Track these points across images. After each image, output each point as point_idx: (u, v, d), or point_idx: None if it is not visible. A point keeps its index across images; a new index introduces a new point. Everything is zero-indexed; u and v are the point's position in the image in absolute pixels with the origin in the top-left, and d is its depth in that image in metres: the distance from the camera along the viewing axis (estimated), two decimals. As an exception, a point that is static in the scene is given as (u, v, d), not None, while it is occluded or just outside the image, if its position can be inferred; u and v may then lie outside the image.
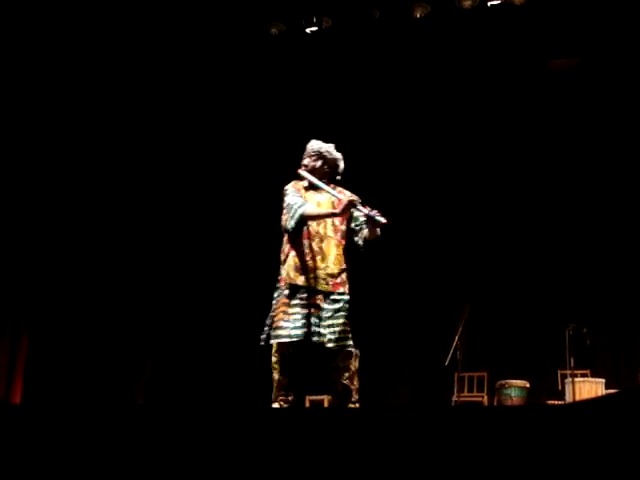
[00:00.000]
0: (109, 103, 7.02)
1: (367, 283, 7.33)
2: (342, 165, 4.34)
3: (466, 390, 6.90)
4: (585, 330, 6.15)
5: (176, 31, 6.87)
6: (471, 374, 6.97)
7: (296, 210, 4.11)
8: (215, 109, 7.60)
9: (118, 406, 5.07)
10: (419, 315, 7.49)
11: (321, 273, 4.09)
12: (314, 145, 4.32)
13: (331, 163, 4.30)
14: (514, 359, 7.20)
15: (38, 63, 6.51)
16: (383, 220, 4.04)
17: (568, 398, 6.12)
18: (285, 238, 4.22)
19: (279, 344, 4.04)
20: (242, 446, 2.51)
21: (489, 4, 6.49)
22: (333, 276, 4.12)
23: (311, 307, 4.04)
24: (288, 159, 7.76)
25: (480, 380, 7.01)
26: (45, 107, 6.61)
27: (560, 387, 6.61)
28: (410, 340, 7.47)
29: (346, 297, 4.14)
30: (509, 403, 6.37)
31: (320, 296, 4.07)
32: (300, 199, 4.19)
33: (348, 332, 4.09)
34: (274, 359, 4.08)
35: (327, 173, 4.29)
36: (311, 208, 4.16)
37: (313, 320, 4.02)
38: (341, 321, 4.07)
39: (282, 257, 4.20)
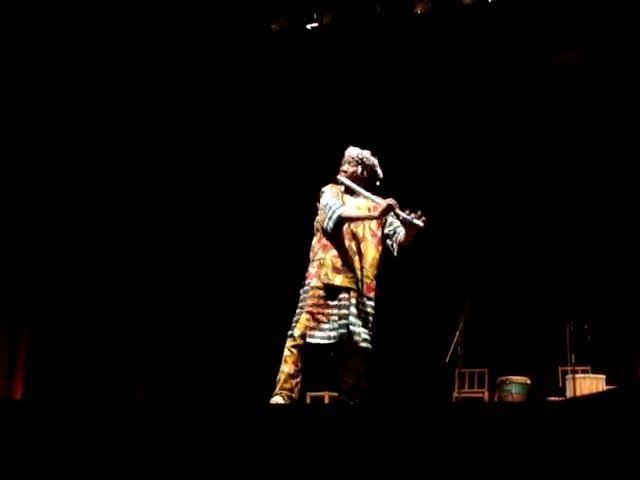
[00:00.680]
0: (109, 101, 7.01)
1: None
2: (380, 171, 4.43)
3: (467, 386, 6.91)
4: (586, 326, 6.15)
5: (177, 28, 6.86)
6: (472, 370, 6.97)
7: (334, 211, 4.17)
8: (217, 106, 7.59)
9: (118, 402, 5.08)
10: (420, 311, 7.49)
11: (359, 274, 4.18)
12: (352, 152, 4.41)
13: (369, 169, 4.39)
14: (515, 355, 7.20)
15: (36, 62, 6.50)
16: (421, 224, 4.09)
17: (569, 394, 6.12)
18: (318, 237, 4.28)
19: (305, 342, 4.06)
20: (243, 442, 2.51)
21: (490, 0, 6.48)
22: (369, 279, 4.22)
23: (349, 307, 4.09)
24: (290, 155, 7.80)
25: (481, 376, 7.01)
26: (44, 107, 6.60)
27: (561, 383, 6.61)
28: (411, 336, 7.46)
29: (373, 303, 4.26)
30: (510, 399, 6.37)
31: (356, 296, 4.14)
32: (338, 201, 4.27)
33: (371, 336, 4.22)
34: (288, 353, 4.09)
35: (365, 179, 4.37)
36: (349, 210, 4.25)
37: (346, 321, 4.08)
38: (369, 325, 4.20)
39: (313, 256, 4.26)
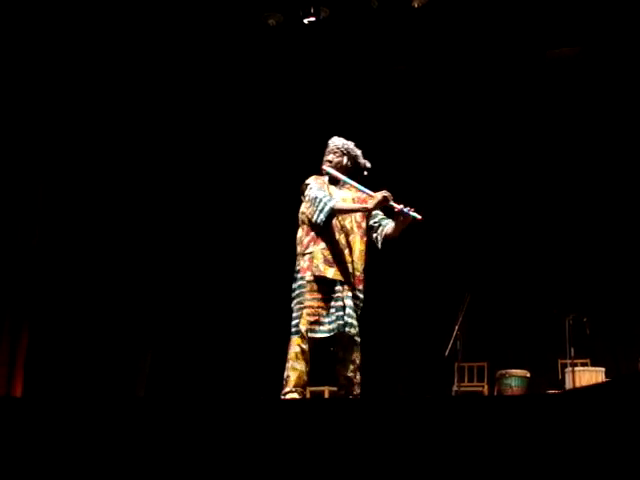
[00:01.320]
0: (106, 98, 6.99)
1: (366, 274, 7.35)
2: (365, 162, 4.40)
3: (466, 380, 6.92)
4: (585, 319, 6.16)
5: (174, 23, 6.83)
6: (471, 364, 6.99)
7: (326, 204, 4.12)
8: (213, 101, 7.57)
9: (119, 399, 5.08)
10: (419, 305, 7.49)
11: (349, 267, 4.16)
12: (337, 142, 4.37)
13: (353, 160, 4.36)
14: (514, 349, 7.21)
15: (34, 59, 6.48)
16: (418, 216, 4.08)
17: (568, 387, 6.13)
18: (305, 230, 4.23)
19: (309, 337, 4.04)
20: (244, 438, 2.51)
21: (487, -7, 6.47)
22: (358, 271, 4.21)
23: (342, 300, 4.08)
24: (286, 151, 7.79)
25: (480, 370, 7.02)
26: (43, 104, 6.59)
27: (560, 376, 6.63)
28: (410, 330, 7.47)
29: (362, 296, 4.24)
30: (509, 393, 6.38)
31: (348, 288, 4.13)
32: (327, 193, 4.22)
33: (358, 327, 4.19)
34: (299, 349, 4.04)
35: (350, 170, 4.34)
36: (341, 202, 4.21)
37: (343, 313, 4.06)
38: (356, 316, 4.16)
39: (301, 249, 4.21)
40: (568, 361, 6.17)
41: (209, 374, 7.28)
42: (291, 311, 4.19)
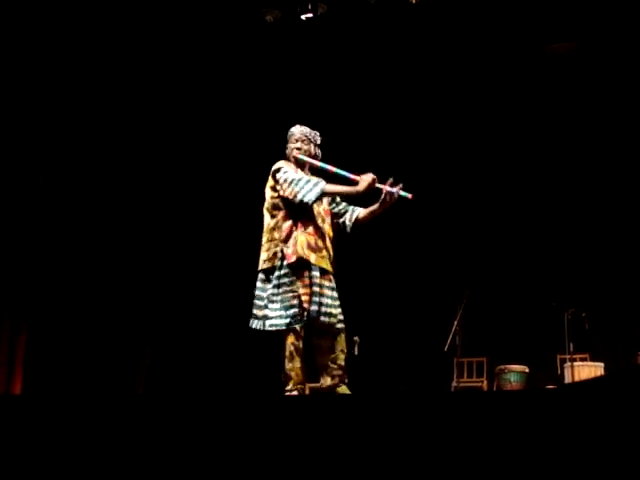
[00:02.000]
0: (103, 92, 6.98)
1: (365, 269, 7.35)
2: (319, 151, 4.37)
3: (465, 375, 6.93)
4: (584, 314, 6.16)
5: (171, 19, 6.82)
6: (470, 359, 7.00)
7: (316, 184, 4.05)
8: (211, 98, 7.56)
9: (118, 396, 5.08)
10: (418, 301, 7.49)
11: (325, 253, 4.11)
12: (304, 130, 4.33)
13: (317, 148, 4.35)
14: (513, 344, 7.21)
15: (31, 54, 6.47)
16: (409, 195, 4.07)
17: (567, 382, 6.13)
18: (282, 215, 4.11)
19: (295, 330, 3.96)
20: (245, 435, 2.51)
21: (485, -12, 6.46)
22: (331, 257, 4.15)
23: (321, 286, 4.01)
24: (284, 147, 7.76)
25: (479, 365, 7.03)
26: (41, 98, 6.58)
27: (559, 372, 6.63)
28: (409, 326, 7.47)
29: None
30: (508, 388, 6.39)
31: (327, 276, 4.08)
32: (305, 175, 4.17)
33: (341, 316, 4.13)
34: (293, 348, 3.97)
35: (313, 157, 4.30)
36: (331, 185, 4.14)
37: (325, 300, 4.01)
38: (339, 304, 4.10)
39: (280, 235, 4.08)
40: (567, 356, 6.17)
41: (208, 370, 7.29)
42: (259, 300, 4.09)
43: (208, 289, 7.56)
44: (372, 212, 4.23)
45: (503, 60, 7.18)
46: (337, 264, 4.22)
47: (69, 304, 6.60)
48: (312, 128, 4.41)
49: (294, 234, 4.06)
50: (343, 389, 4.07)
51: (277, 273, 4.04)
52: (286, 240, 4.05)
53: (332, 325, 4.04)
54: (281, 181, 4.12)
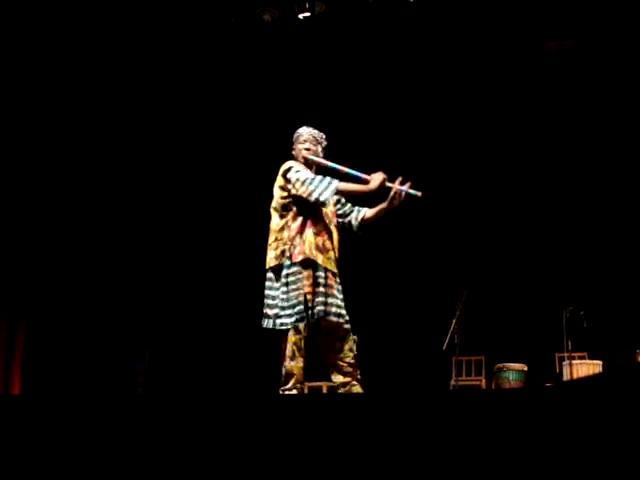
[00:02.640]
0: (93, 90, 6.95)
1: (364, 268, 7.35)
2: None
3: (464, 374, 6.93)
4: (582, 312, 6.17)
5: (168, 18, 6.81)
6: (469, 358, 7.00)
7: (330, 182, 4.08)
8: (208, 97, 7.56)
9: (117, 396, 5.08)
10: (417, 300, 7.50)
11: (332, 254, 4.14)
12: (313, 131, 4.39)
13: (323, 147, 4.40)
14: (511, 342, 7.22)
15: (23, 53, 6.45)
16: (418, 193, 4.12)
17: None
18: (291, 215, 4.15)
19: (297, 329, 3.99)
20: (244, 435, 2.51)
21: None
22: (337, 258, 4.19)
23: (331, 287, 4.06)
24: (282, 146, 7.76)
25: (478, 364, 7.03)
26: (30, 95, 6.55)
27: (558, 370, 6.64)
28: (408, 325, 7.48)
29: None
30: (507, 386, 6.39)
31: (333, 277, 4.11)
32: (315, 175, 4.21)
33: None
34: (295, 347, 3.98)
35: (322, 157, 4.36)
36: (344, 183, 4.18)
37: (334, 300, 4.05)
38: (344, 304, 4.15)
39: (289, 234, 4.11)
40: (565, 354, 6.18)
41: (207, 371, 7.28)
42: (268, 299, 4.11)
43: (207, 289, 7.56)
44: (380, 211, 4.27)
45: (500, 58, 7.18)
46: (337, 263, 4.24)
47: (67, 304, 6.59)
48: (311, 127, 4.44)
49: (303, 234, 4.09)
50: (357, 389, 4.10)
51: (285, 272, 4.08)
52: (295, 239, 4.09)
53: (340, 325, 4.08)
54: (293, 180, 4.14)
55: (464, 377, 6.89)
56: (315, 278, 4.02)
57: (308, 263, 4.03)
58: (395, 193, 4.14)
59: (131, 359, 7.13)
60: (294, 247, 4.06)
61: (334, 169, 4.27)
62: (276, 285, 4.11)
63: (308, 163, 4.29)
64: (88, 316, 6.70)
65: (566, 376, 6.16)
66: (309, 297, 3.98)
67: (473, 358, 7.03)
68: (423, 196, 4.17)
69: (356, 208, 4.38)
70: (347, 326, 4.12)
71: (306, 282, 4.00)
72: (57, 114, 6.68)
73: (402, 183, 4.14)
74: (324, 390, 6.32)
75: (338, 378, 4.13)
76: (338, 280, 4.15)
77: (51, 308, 6.49)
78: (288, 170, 4.19)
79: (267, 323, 4.12)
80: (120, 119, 7.16)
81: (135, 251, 7.25)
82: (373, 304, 7.36)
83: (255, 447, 2.45)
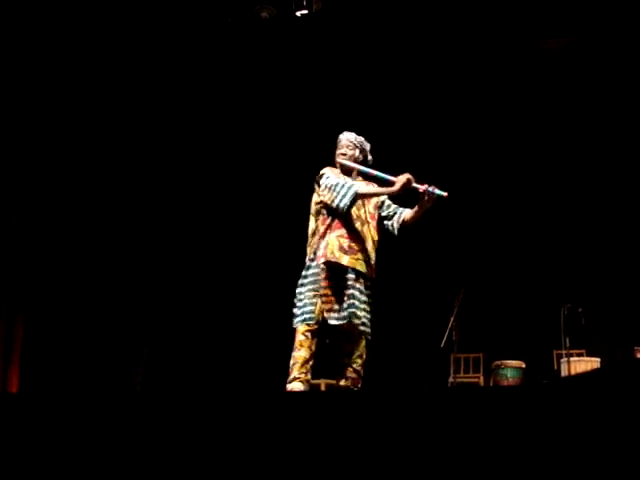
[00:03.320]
0: (102, 93, 6.96)
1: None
2: (370, 157, 4.49)
3: (462, 371, 6.95)
4: (580, 310, 6.18)
5: (166, 16, 6.80)
6: (467, 355, 7.01)
7: (349, 188, 4.15)
8: (206, 95, 7.55)
9: (115, 394, 5.08)
10: (415, 297, 7.50)
11: (363, 256, 4.19)
12: (350, 136, 4.45)
13: (364, 153, 4.46)
14: (509, 340, 7.23)
15: (24, 55, 6.45)
16: (444, 194, 4.15)
17: (564, 378, 6.15)
18: (321, 219, 4.25)
19: (322, 324, 4.06)
20: (244, 433, 2.51)
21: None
22: (372, 260, 4.24)
23: (352, 288, 4.10)
24: (282, 143, 7.76)
25: (476, 361, 7.04)
26: (30, 95, 6.55)
27: (556, 367, 6.65)
28: (406, 322, 7.48)
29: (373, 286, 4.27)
30: (505, 384, 6.40)
31: (360, 279, 4.16)
32: (346, 180, 4.27)
33: (370, 320, 4.22)
34: (303, 338, 4.06)
35: (361, 163, 4.42)
36: (364, 187, 4.26)
37: (352, 302, 4.09)
38: (370, 308, 4.21)
39: (315, 237, 4.22)
40: (563, 351, 6.19)
41: (206, 368, 7.28)
42: (294, 298, 4.19)
43: (204, 287, 7.56)
44: (415, 213, 4.32)
45: (497, 56, 7.17)
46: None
47: (66, 302, 6.59)
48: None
49: (327, 237, 4.18)
50: None
51: (304, 272, 4.19)
52: (320, 242, 4.19)
53: (355, 328, 4.11)
54: (322, 187, 4.26)
55: (462, 374, 6.90)
56: (335, 280, 4.09)
57: (329, 265, 4.11)
58: (423, 194, 4.17)
59: (129, 358, 7.12)
60: (318, 250, 4.17)
61: (365, 173, 4.34)
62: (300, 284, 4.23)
63: (345, 169, 4.38)
64: (86, 315, 6.70)
65: (564, 373, 6.17)
66: (324, 299, 4.06)
67: (471, 355, 7.04)
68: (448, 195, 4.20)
69: (399, 210, 4.40)
70: (362, 328, 4.15)
71: (323, 284, 4.10)
72: (57, 114, 6.68)
73: (429, 184, 4.17)
74: (322, 387, 6.33)
75: (340, 381, 4.21)
76: (368, 282, 4.21)
77: (50, 307, 6.49)
78: (321, 177, 4.31)
79: (294, 322, 4.20)
80: (118, 118, 7.15)
81: (134, 250, 7.25)
82: (372, 302, 7.36)
83: (253, 446, 2.45)
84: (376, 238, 4.32)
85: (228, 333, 7.50)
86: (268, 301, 7.43)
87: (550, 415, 2.13)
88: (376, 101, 7.57)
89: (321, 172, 4.35)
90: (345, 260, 4.12)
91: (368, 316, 4.20)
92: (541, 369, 6.84)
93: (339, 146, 4.44)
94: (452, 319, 5.92)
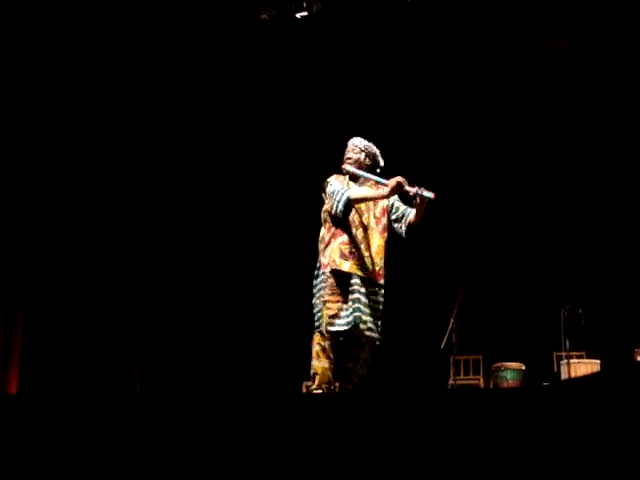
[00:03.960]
0: (93, 87, 6.95)
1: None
2: (381, 160, 4.50)
3: (462, 373, 6.94)
4: (580, 311, 6.17)
5: (166, 18, 6.80)
6: (467, 357, 7.00)
7: (342, 194, 4.19)
8: (206, 97, 7.55)
9: (115, 395, 5.07)
10: (414, 299, 7.49)
11: (367, 261, 4.20)
12: (356, 141, 4.48)
13: (371, 157, 4.47)
14: (509, 341, 7.22)
15: (22, 53, 6.44)
16: (432, 195, 4.15)
17: (564, 380, 6.14)
18: (327, 227, 4.30)
19: (332, 332, 4.08)
20: (244, 434, 2.51)
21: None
22: (377, 265, 4.25)
23: (357, 293, 4.12)
24: (282, 145, 7.77)
25: (476, 363, 7.04)
26: (29, 96, 6.54)
27: (556, 369, 6.64)
28: (406, 324, 7.47)
29: (383, 290, 4.30)
30: (505, 385, 6.40)
31: (365, 283, 4.18)
32: (344, 186, 4.31)
33: (380, 326, 4.25)
34: (319, 348, 4.10)
35: (368, 167, 4.44)
36: (357, 191, 4.27)
37: (357, 306, 4.10)
38: (378, 314, 4.24)
39: (323, 246, 4.27)
40: (563, 353, 6.18)
41: (205, 368, 7.28)
42: (312, 308, 4.25)
43: (203, 288, 7.56)
44: (415, 215, 4.32)
45: (497, 57, 7.17)
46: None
47: (65, 303, 6.59)
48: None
49: (330, 244, 4.23)
50: None
51: (314, 282, 4.26)
52: (325, 251, 4.24)
53: (361, 333, 4.13)
54: (326, 196, 4.33)
55: (462, 376, 6.90)
56: (340, 287, 4.12)
57: (333, 273, 4.15)
58: (413, 196, 4.18)
59: (128, 358, 7.12)
60: (324, 258, 4.22)
61: (363, 177, 4.37)
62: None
63: (352, 175, 4.40)
64: (86, 315, 6.69)
65: (564, 375, 6.16)
66: (329, 305, 4.10)
67: (471, 357, 7.03)
68: (437, 196, 4.19)
69: (407, 212, 4.40)
70: (368, 334, 4.17)
71: (328, 291, 4.13)
72: (57, 114, 6.68)
73: (419, 186, 4.17)
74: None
75: (342, 385, 4.25)
76: (375, 288, 4.24)
77: (49, 308, 6.49)
78: (326, 184, 4.35)
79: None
80: (119, 118, 7.15)
81: (134, 250, 7.24)
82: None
83: (252, 446, 2.45)
84: (381, 243, 4.32)
85: (227, 333, 7.49)
86: (268, 301, 7.43)
87: (550, 417, 2.12)
88: (377, 103, 7.57)
89: (327, 180, 4.39)
90: (346, 266, 4.15)
91: (376, 321, 4.21)
92: (541, 371, 6.83)
93: (345, 151, 4.48)
94: (452, 321, 5.91)
